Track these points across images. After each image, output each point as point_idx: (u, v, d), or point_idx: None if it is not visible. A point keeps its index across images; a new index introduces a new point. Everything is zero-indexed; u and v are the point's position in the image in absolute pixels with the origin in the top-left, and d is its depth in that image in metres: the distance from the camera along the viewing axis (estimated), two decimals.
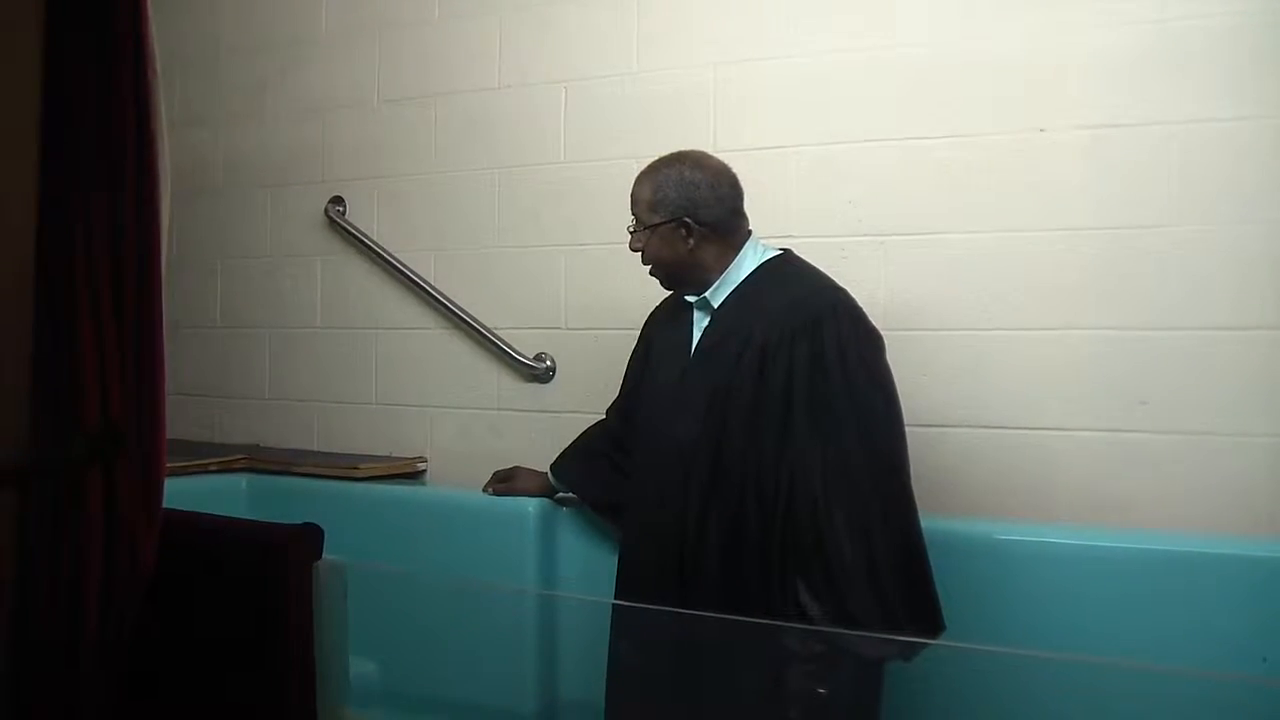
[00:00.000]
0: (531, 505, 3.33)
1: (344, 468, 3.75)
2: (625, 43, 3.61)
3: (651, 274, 2.76)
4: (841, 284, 2.68)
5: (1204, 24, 2.90)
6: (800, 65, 3.35)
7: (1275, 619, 2.59)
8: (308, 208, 4.19)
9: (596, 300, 3.61)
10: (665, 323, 2.87)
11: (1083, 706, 2.59)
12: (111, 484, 1.91)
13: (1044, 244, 3.05)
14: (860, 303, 2.65)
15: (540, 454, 3.36)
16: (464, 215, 3.89)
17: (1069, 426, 3.03)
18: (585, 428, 3.25)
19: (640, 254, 2.73)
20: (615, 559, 2.84)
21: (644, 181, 2.70)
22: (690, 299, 2.73)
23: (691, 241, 2.65)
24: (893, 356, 2.65)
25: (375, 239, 4.01)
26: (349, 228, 4.06)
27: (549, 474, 3.29)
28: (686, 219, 2.63)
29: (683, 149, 2.74)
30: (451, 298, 3.86)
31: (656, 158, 2.73)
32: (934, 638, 2.46)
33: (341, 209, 4.09)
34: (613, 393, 3.13)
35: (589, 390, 3.46)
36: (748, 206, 2.75)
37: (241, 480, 3.87)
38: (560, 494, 3.34)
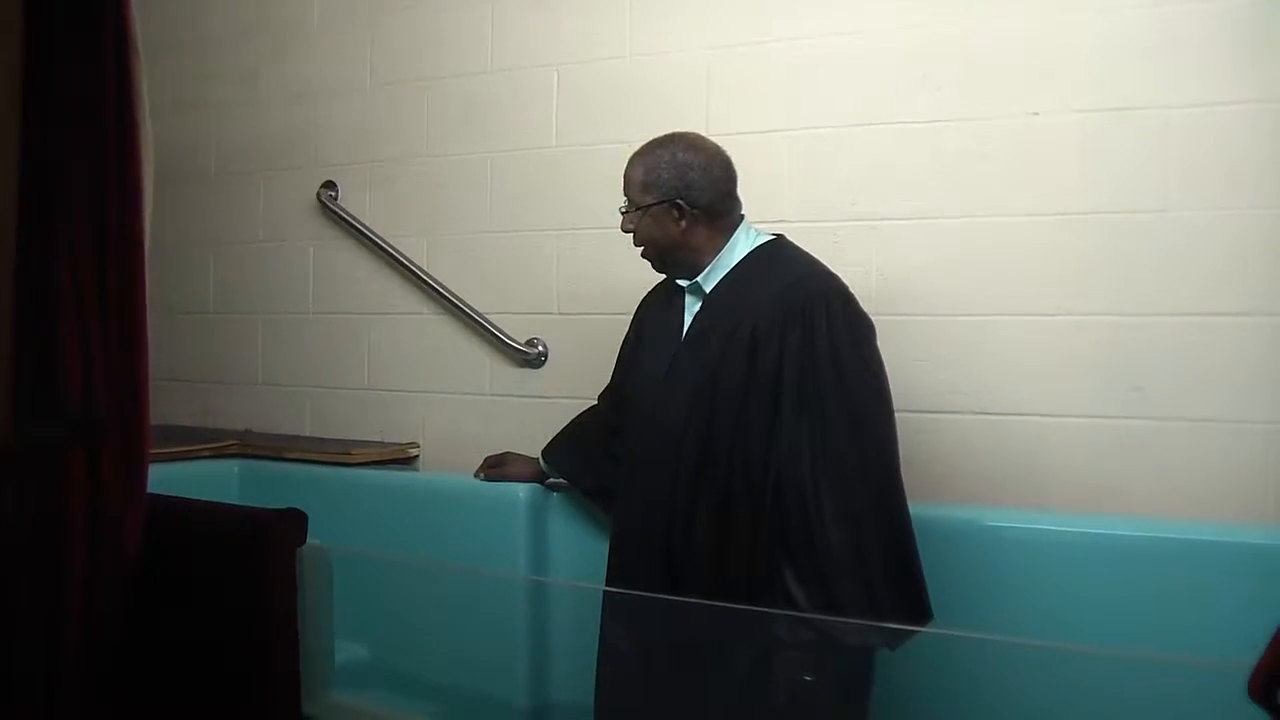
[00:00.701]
0: (522, 491, 3.32)
1: (336, 453, 3.75)
2: (618, 26, 3.59)
3: (643, 255, 2.75)
4: (834, 270, 2.66)
5: (1200, 8, 2.88)
6: (794, 49, 3.32)
7: (1271, 606, 2.58)
8: (300, 193, 4.17)
9: (589, 285, 3.60)
10: (657, 307, 2.86)
11: (1073, 695, 2.60)
12: (95, 468, 1.89)
13: (1039, 229, 3.03)
14: (853, 288, 2.63)
15: (532, 439, 3.35)
16: (456, 200, 3.88)
17: (1063, 413, 3.02)
18: (577, 413, 3.24)
19: (632, 235, 2.71)
20: (606, 544, 2.83)
21: (637, 162, 2.69)
22: (682, 283, 2.72)
23: (683, 223, 2.63)
24: (886, 342, 2.63)
25: (367, 224, 4.00)
26: (341, 213, 4.04)
27: (540, 459, 3.28)
28: (679, 200, 2.62)
29: (678, 131, 2.72)
30: (444, 283, 3.85)
31: (649, 140, 2.72)
32: (922, 626, 2.45)
33: (334, 194, 4.08)
34: (605, 378, 3.12)
35: (581, 375, 3.44)
36: (740, 191, 2.74)
37: (234, 466, 3.87)
38: (551, 479, 3.33)
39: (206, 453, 3.84)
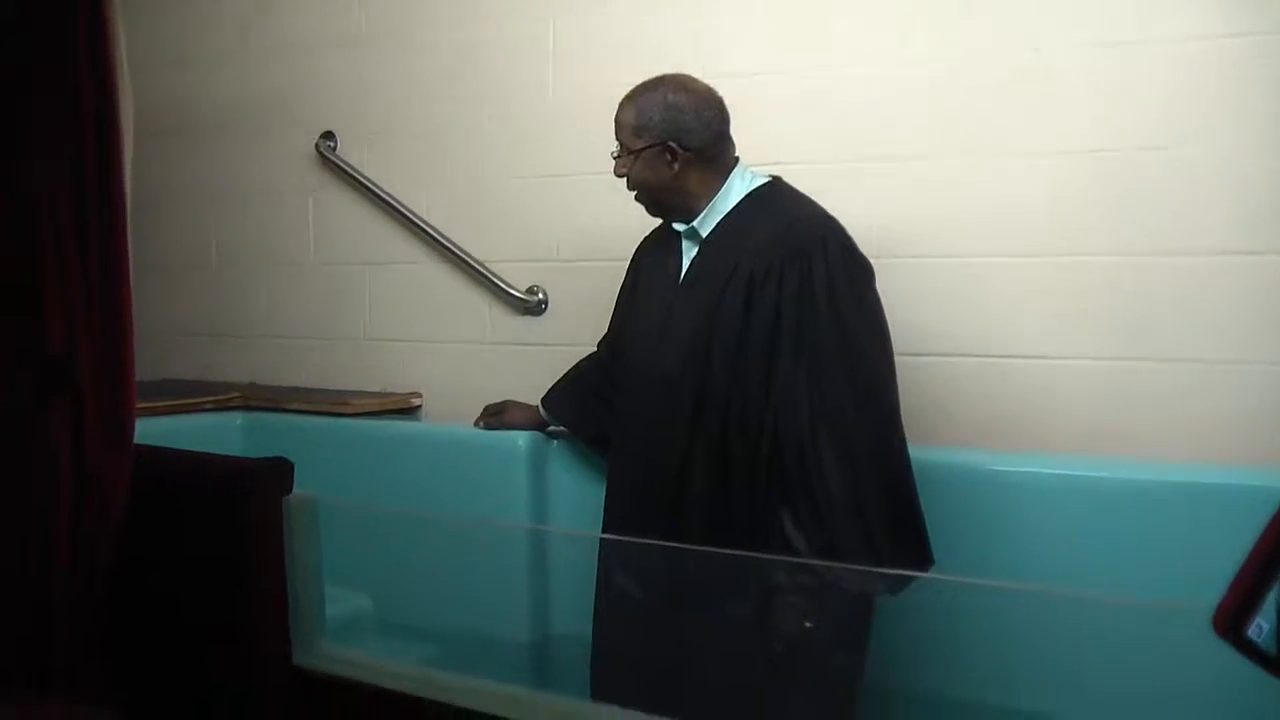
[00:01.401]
0: (522, 439, 3.33)
1: (338, 404, 3.75)
2: None
3: (637, 199, 2.73)
4: (834, 212, 2.64)
5: None
6: None
7: None
8: (298, 144, 4.15)
9: (588, 232, 3.58)
10: (653, 253, 2.84)
11: (1075, 640, 2.59)
12: (79, 420, 1.88)
13: (1039, 169, 2.99)
14: (851, 230, 2.61)
15: (533, 387, 3.34)
16: (454, 148, 3.86)
17: (1066, 355, 2.99)
18: (577, 360, 3.24)
19: (625, 179, 2.69)
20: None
21: (627, 106, 2.67)
22: (679, 228, 2.70)
23: (676, 166, 2.61)
24: (885, 284, 2.61)
25: (366, 174, 3.98)
26: (340, 163, 4.02)
27: (540, 407, 3.28)
28: (671, 143, 2.60)
29: (668, 73, 2.70)
30: (443, 232, 3.83)
31: (640, 83, 2.70)
32: (922, 571, 2.45)
33: (332, 144, 4.06)
34: (605, 325, 3.11)
35: (581, 323, 3.43)
36: (738, 133, 2.72)
37: (237, 418, 3.88)
38: (551, 427, 3.33)
39: (210, 405, 3.84)
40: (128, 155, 1.96)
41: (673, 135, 2.60)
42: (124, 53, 1.92)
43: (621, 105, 2.69)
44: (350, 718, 1.92)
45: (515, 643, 3.25)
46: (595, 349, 3.18)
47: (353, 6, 4.03)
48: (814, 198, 2.67)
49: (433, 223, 3.85)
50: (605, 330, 3.12)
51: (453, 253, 3.80)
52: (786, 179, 2.72)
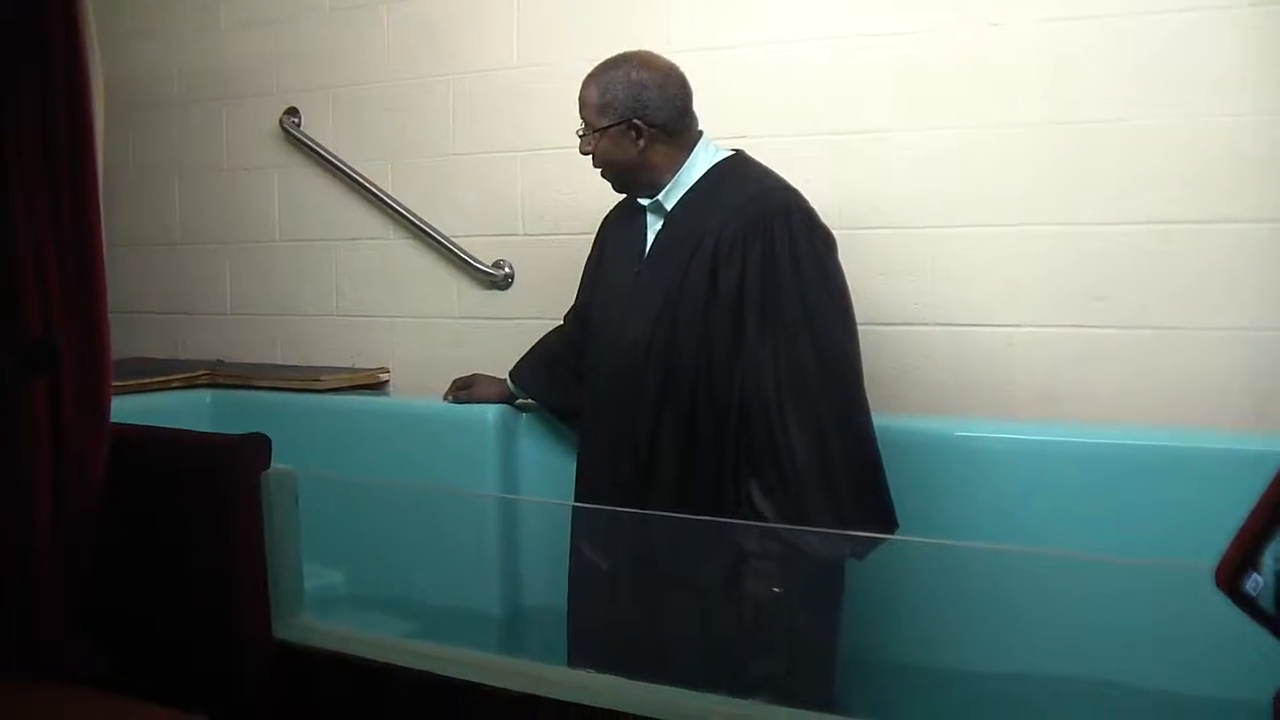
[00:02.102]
0: (491, 412, 3.34)
1: (307, 380, 3.76)
2: None
3: (603, 176, 2.76)
4: (797, 184, 2.67)
5: None
6: None
7: (1231, 510, 2.61)
8: (263, 120, 4.15)
9: (554, 206, 3.60)
10: (619, 226, 2.87)
11: (1043, 599, 2.65)
12: (57, 397, 1.90)
13: (999, 140, 3.03)
14: (816, 202, 2.64)
15: (501, 361, 3.36)
16: (419, 123, 3.86)
17: (1027, 323, 3.04)
18: (544, 334, 3.25)
19: (591, 157, 2.71)
20: (575, 463, 2.86)
21: (591, 84, 2.69)
22: (644, 202, 2.73)
23: (641, 143, 2.64)
24: (851, 256, 2.65)
25: (331, 149, 3.98)
26: (304, 139, 4.02)
27: (508, 380, 3.30)
28: (635, 120, 2.62)
29: (629, 50, 2.72)
30: (409, 207, 3.84)
31: (602, 61, 2.72)
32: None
33: (296, 120, 4.06)
34: (571, 298, 3.13)
35: (547, 296, 3.44)
36: (703, 107, 2.74)
37: (205, 395, 3.89)
38: (520, 400, 3.35)
39: (178, 383, 3.84)
40: (100, 136, 1.97)
41: (637, 112, 2.62)
42: (95, 33, 1.93)
43: (585, 84, 2.71)
44: (331, 689, 1.95)
45: (489, 616, 3.27)
46: (561, 322, 3.20)
47: None
48: (778, 170, 2.70)
49: (399, 198, 3.86)
50: (571, 303, 3.14)
51: (419, 228, 3.81)
52: (751, 152, 2.75)
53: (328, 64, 4.02)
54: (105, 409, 1.97)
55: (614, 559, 2.68)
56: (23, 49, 1.85)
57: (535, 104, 3.61)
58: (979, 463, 2.88)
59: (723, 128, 2.85)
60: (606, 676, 1.76)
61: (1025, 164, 3.00)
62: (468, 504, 3.32)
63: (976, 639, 2.79)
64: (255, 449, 1.95)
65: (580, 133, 2.71)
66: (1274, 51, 2.76)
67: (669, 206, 2.68)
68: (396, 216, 3.87)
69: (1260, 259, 2.80)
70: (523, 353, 3.28)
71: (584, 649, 2.76)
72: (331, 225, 4.03)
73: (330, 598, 3.28)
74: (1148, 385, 2.92)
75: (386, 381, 3.92)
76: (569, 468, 2.90)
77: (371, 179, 3.90)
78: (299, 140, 4.04)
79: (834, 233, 2.63)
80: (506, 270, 3.70)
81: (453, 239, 3.76)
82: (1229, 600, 0.82)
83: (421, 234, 3.82)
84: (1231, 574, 0.82)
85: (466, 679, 1.78)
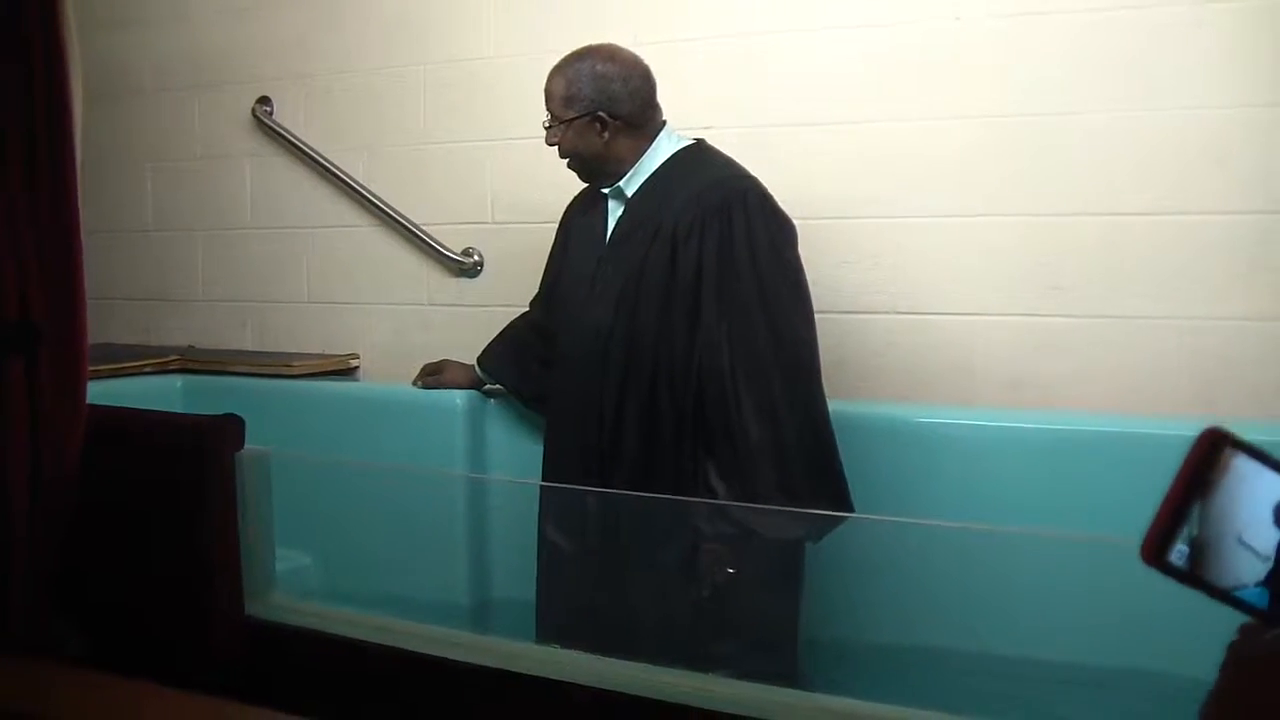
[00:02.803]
0: (460, 398, 3.38)
1: (278, 365, 3.78)
2: None
3: (569, 167, 2.80)
4: (762, 174, 2.71)
5: None
6: None
7: None
8: (236, 108, 4.17)
9: (523, 195, 3.63)
10: (581, 213, 2.91)
11: (1000, 579, 2.69)
12: (33, 376, 1.92)
13: (959, 131, 3.08)
14: (780, 192, 2.69)
15: (469, 347, 3.39)
16: (391, 112, 3.89)
17: (986, 311, 3.09)
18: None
19: (556, 148, 2.76)
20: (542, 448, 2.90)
21: (556, 77, 2.73)
22: (605, 189, 2.77)
23: (606, 135, 2.69)
24: (815, 245, 2.70)
25: (303, 138, 4.00)
26: (276, 128, 4.05)
27: (476, 367, 3.33)
28: (600, 113, 2.67)
29: (594, 43, 2.76)
30: (380, 195, 3.87)
31: (567, 54, 2.77)
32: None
33: (269, 109, 4.08)
34: (539, 285, 3.17)
35: (516, 284, 3.46)
36: (669, 98, 2.79)
37: (176, 381, 3.90)
38: (488, 385, 3.38)
39: (150, 368, 3.86)
40: (78, 122, 2.00)
41: (602, 105, 2.67)
42: (73, 22, 1.96)
43: (551, 76, 2.75)
44: (302, 667, 1.98)
45: (457, 596, 3.31)
46: (528, 308, 3.23)
47: None
48: (744, 161, 2.75)
49: (370, 186, 3.89)
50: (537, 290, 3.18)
51: (389, 216, 3.84)
52: (717, 142, 2.80)
53: (300, 53, 4.04)
54: (82, 391, 1.99)
55: (579, 539, 2.73)
56: (3, 44, 1.87)
57: (506, 94, 3.64)
58: (941, 449, 2.94)
59: (689, 119, 2.90)
60: (571, 652, 1.81)
61: (986, 155, 3.06)
62: (437, 485, 3.34)
63: (939, 617, 2.82)
64: (229, 429, 1.98)
65: (547, 124, 2.76)
66: (1227, 47, 2.82)
67: (629, 193, 2.73)
68: (367, 205, 3.90)
69: (1211, 251, 2.87)
70: (490, 339, 3.31)
71: (551, 626, 2.79)
72: (303, 213, 4.06)
73: (299, 582, 3.29)
74: (1103, 373, 2.99)
75: (357, 367, 3.95)
76: (537, 452, 2.93)
77: (343, 167, 3.93)
78: (271, 129, 4.06)
79: (798, 222, 2.68)
80: (476, 258, 3.74)
81: (423, 227, 3.79)
82: (1160, 573, 0.88)
83: (392, 222, 3.85)
84: (1157, 548, 0.88)
85: (435, 655, 1.82)
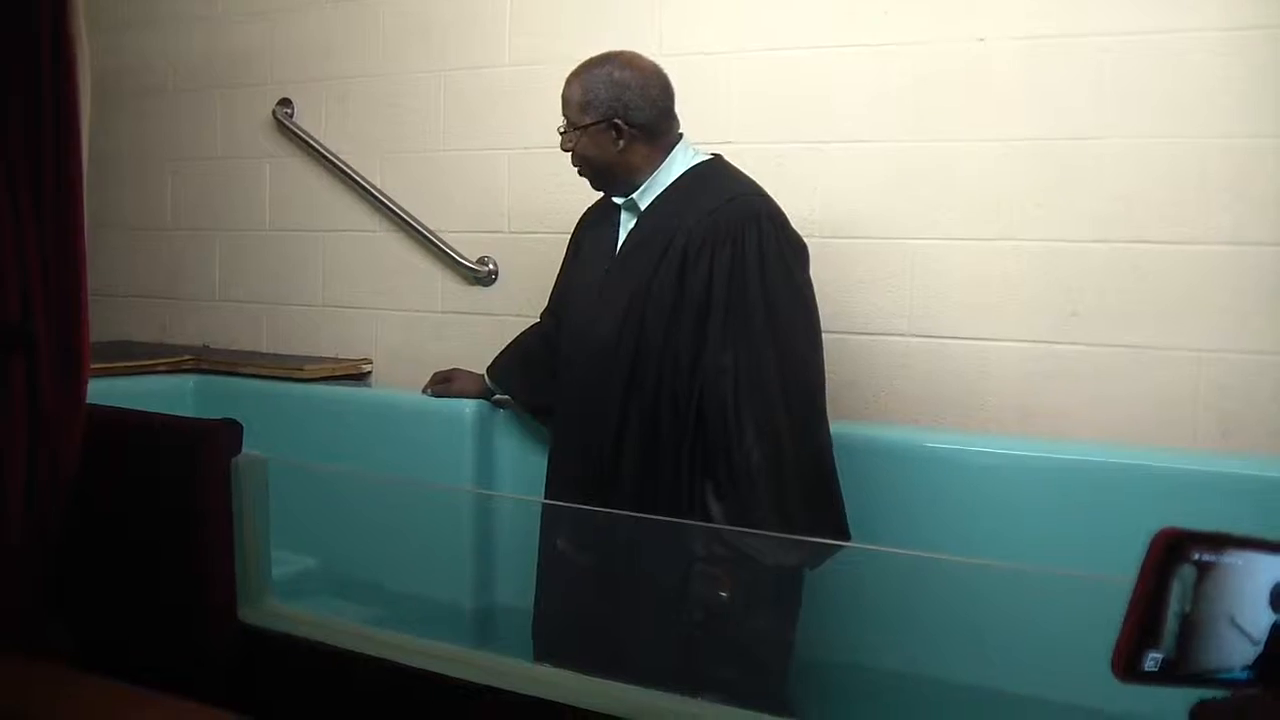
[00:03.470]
0: (469, 407, 3.37)
1: (290, 368, 3.78)
2: None
3: (581, 174, 2.78)
4: (779, 190, 2.69)
5: None
6: None
7: (1198, 528, 2.62)
8: (256, 110, 4.17)
9: (539, 204, 3.62)
10: (594, 224, 2.89)
11: (1005, 615, 2.65)
12: (34, 376, 1.92)
13: (980, 155, 3.05)
14: (796, 210, 2.67)
15: (482, 356, 3.38)
16: (410, 118, 3.89)
17: (1001, 337, 3.06)
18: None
19: (570, 154, 2.74)
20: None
21: (574, 82, 2.71)
22: (618, 200, 2.75)
23: (621, 143, 2.66)
24: (827, 265, 2.67)
25: (322, 141, 4.01)
26: (296, 130, 4.05)
27: (485, 376, 3.32)
28: (617, 120, 2.65)
29: (614, 50, 2.74)
30: (397, 201, 3.86)
31: (586, 59, 2.75)
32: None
33: (289, 111, 4.08)
34: None
35: (530, 293, 3.46)
36: (690, 111, 2.77)
37: (189, 381, 3.90)
38: (497, 396, 3.37)
39: (163, 368, 3.86)
40: (85, 124, 1.99)
41: (618, 112, 2.65)
42: (83, 21, 1.95)
43: (568, 81, 2.73)
44: (295, 675, 1.96)
45: (459, 609, 3.30)
46: (539, 319, 3.21)
47: None
48: (761, 177, 2.72)
49: (387, 191, 3.88)
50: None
51: (406, 222, 3.84)
52: (735, 159, 2.77)
53: (322, 56, 4.05)
54: (82, 392, 1.98)
55: (579, 556, 2.71)
56: (10, 46, 1.86)
57: (525, 102, 3.63)
58: (949, 474, 2.90)
59: (708, 132, 2.89)
60: (566, 672, 1.79)
61: (1005, 179, 3.03)
62: (439, 497, 3.33)
63: (933, 650, 2.79)
64: (226, 434, 1.97)
65: (561, 130, 2.74)
66: (1253, 77, 2.79)
67: (643, 206, 2.70)
68: (384, 210, 3.89)
69: (1229, 282, 2.83)
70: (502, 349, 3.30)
71: (547, 643, 2.78)
72: (320, 216, 4.06)
73: (303, 585, 3.30)
74: (1117, 403, 2.94)
75: (369, 373, 3.95)
76: (544, 463, 2.92)
77: (361, 172, 3.93)
78: (291, 131, 4.07)
79: (814, 242, 2.66)
80: (490, 267, 3.73)
81: (439, 233, 3.79)
82: (1137, 685, 0.86)
83: (408, 228, 3.84)
84: (1126, 664, 0.85)
85: (429, 669, 1.80)
